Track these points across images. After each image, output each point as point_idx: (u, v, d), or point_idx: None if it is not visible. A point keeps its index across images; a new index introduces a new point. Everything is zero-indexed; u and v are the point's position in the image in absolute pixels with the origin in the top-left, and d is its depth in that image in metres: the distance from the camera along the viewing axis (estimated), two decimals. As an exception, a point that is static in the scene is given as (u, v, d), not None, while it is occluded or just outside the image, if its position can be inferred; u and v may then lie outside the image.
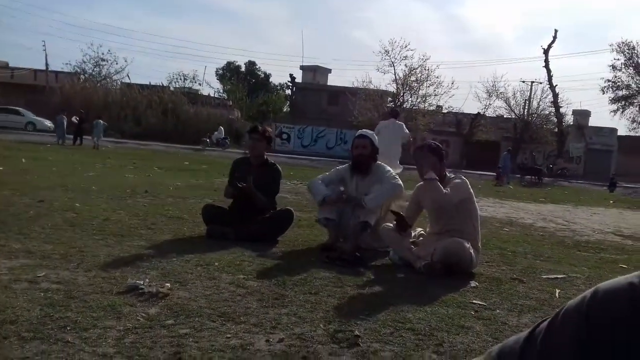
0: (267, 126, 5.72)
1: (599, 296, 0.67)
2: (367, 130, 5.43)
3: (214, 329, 2.59)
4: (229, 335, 2.53)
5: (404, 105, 38.16)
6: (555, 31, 38.29)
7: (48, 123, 34.74)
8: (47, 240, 4.18)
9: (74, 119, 24.95)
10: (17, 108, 36.43)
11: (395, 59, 37.14)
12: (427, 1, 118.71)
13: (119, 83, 46.74)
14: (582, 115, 43.52)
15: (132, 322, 2.59)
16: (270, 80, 61.30)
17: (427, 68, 37.22)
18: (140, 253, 4.05)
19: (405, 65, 37.38)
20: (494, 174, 24.58)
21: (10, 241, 4.06)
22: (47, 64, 45.59)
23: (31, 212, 5.39)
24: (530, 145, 38.13)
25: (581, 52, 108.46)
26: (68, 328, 2.44)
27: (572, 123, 41.88)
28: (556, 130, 38.60)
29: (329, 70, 48.81)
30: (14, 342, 2.26)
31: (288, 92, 51.94)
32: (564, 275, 4.53)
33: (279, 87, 59.73)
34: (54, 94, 39.77)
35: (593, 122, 44.32)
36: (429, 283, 3.86)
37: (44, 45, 49.27)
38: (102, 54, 46.60)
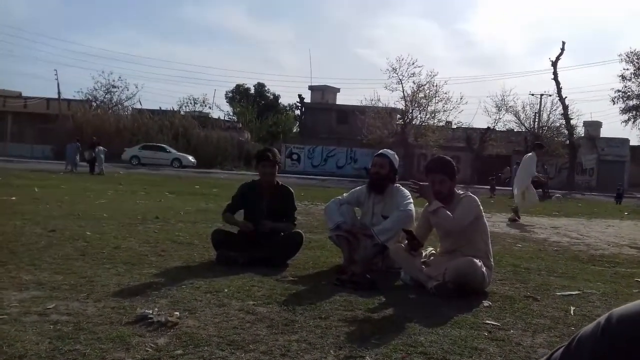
0: (274, 148, 5.72)
1: (614, 320, 0.66)
2: (389, 151, 5.32)
3: (223, 358, 2.57)
4: (238, 365, 2.50)
5: (413, 122, 38.22)
6: (563, 43, 38.38)
7: (191, 159, 36.28)
8: (58, 271, 4.19)
9: (86, 154, 25.03)
10: (163, 145, 37.52)
11: (403, 76, 37.39)
12: (433, 18, 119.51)
13: (130, 109, 47.31)
14: (593, 126, 43.32)
15: (140, 353, 2.58)
16: (280, 101, 61.78)
17: (435, 84, 37.44)
18: (150, 281, 4.05)
19: (413, 82, 37.62)
20: (493, 187, 24.35)
21: (21, 272, 4.08)
22: (59, 93, 46.28)
23: (42, 242, 5.42)
24: (541, 158, 37.88)
25: (590, 63, 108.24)
26: (77, 361, 2.43)
27: (583, 135, 41.68)
28: (567, 142, 38.38)
29: (338, 90, 49.09)
30: (22, 378, 2.25)
31: (297, 112, 52.23)
32: (579, 292, 4.45)
33: (288, 108, 60.10)
34: (67, 122, 40.30)
35: (605, 133, 44.10)
36: (441, 304, 3.81)
37: (56, 74, 49.75)
38: (113, 80, 47.38)
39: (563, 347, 0.72)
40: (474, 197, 4.42)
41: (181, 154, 37.15)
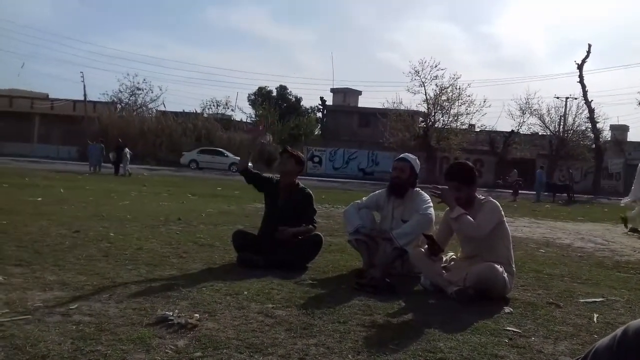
0: (296, 150, 5.72)
1: (630, 333, 0.65)
2: (410, 155, 5.24)
3: (242, 361, 2.58)
4: (256, 368, 2.51)
5: (436, 125, 37.97)
6: (589, 45, 37.81)
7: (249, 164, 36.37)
8: (81, 271, 4.25)
9: (111, 155, 25.32)
10: (221, 149, 38.00)
11: (426, 79, 37.15)
12: (455, 21, 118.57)
13: (154, 111, 47.90)
14: (620, 130, 42.60)
15: (160, 355, 2.60)
16: (302, 103, 61.85)
17: (458, 87, 37.13)
18: (171, 283, 4.09)
19: (436, 85, 37.35)
20: (516, 191, 23.99)
21: (45, 272, 4.15)
22: (85, 95, 47.06)
23: (67, 242, 5.51)
24: (567, 162, 37.35)
25: (617, 65, 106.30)
26: (98, 361, 2.47)
27: (609, 138, 40.98)
28: (593, 146, 37.77)
29: (360, 92, 49.14)
30: (44, 377, 2.29)
31: (319, 115, 52.28)
32: (603, 299, 4.38)
33: (310, 111, 60.17)
34: (92, 124, 40.95)
35: (632, 137, 43.34)
36: (461, 309, 3.78)
37: (82, 76, 50.63)
38: (138, 83, 48.15)
39: (580, 359, 0.71)
40: (495, 202, 4.36)
41: (238, 157, 37.34)
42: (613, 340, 0.67)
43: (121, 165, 24.77)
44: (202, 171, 33.30)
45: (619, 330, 0.67)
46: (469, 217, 4.15)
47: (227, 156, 36.98)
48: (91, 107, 45.75)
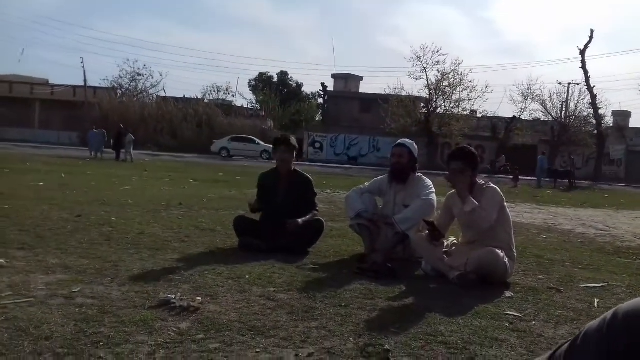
0: (292, 135, 5.69)
1: (620, 316, 0.66)
2: (407, 140, 5.27)
3: (244, 343, 2.60)
4: (258, 350, 2.53)
5: (437, 111, 37.88)
6: (592, 31, 37.45)
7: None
8: (84, 255, 4.27)
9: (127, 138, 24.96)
10: (253, 137, 37.65)
11: (427, 64, 37.01)
12: (457, 6, 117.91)
13: (155, 97, 47.78)
14: (622, 116, 42.47)
15: (163, 337, 2.62)
16: (303, 89, 61.73)
17: (460, 72, 37.00)
18: (173, 267, 4.11)
19: (438, 71, 37.21)
20: (517, 176, 23.91)
21: (48, 256, 4.17)
22: (85, 80, 46.92)
23: (69, 227, 5.52)
24: (569, 148, 37.30)
25: (619, 51, 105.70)
26: (101, 344, 2.48)
27: (611, 125, 40.86)
28: (595, 132, 37.66)
29: (361, 78, 48.90)
30: (48, 359, 2.31)
31: (320, 100, 52.16)
32: (604, 284, 4.39)
33: (311, 96, 60.05)
34: (93, 110, 40.87)
35: (634, 123, 43.20)
36: (462, 294, 3.79)
37: (82, 62, 50.50)
38: (138, 68, 47.90)
39: (569, 342, 0.72)
40: (495, 187, 4.37)
41: (270, 145, 37.35)
42: (603, 322, 0.68)
43: (123, 151, 24.75)
44: (204, 157, 33.33)
45: (608, 313, 0.68)
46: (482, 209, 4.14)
47: (258, 144, 36.46)
48: (91, 93, 45.63)
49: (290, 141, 5.28)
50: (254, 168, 20.73)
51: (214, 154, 35.02)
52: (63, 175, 12.87)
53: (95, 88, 46.66)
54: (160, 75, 61.11)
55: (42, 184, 10.19)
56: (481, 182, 4.44)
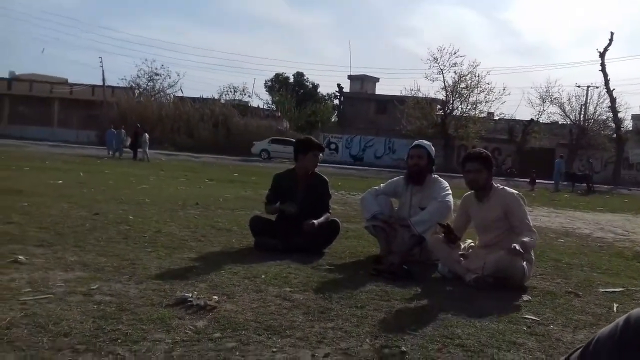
0: (315, 138, 5.73)
1: (632, 322, 0.65)
2: (424, 141, 5.25)
3: (260, 342, 2.60)
4: (274, 350, 2.53)
5: (454, 113, 37.68)
6: (612, 33, 36.99)
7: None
8: (101, 253, 4.31)
9: (142, 138, 25.25)
10: (292, 139, 37.80)
11: (444, 66, 36.80)
12: (475, 7, 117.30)
13: (172, 97, 48.09)
14: (641, 119, 41.82)
15: (180, 335, 2.63)
16: (319, 90, 61.74)
17: (477, 74, 36.76)
18: (189, 265, 4.13)
19: (455, 72, 36.99)
20: (533, 180, 23.70)
21: (67, 253, 4.21)
22: (103, 80, 47.37)
23: (87, 224, 5.58)
24: (587, 152, 36.86)
25: (639, 54, 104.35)
26: (119, 341, 2.50)
27: (631, 128, 40.31)
28: (614, 135, 37.18)
29: (377, 79, 48.80)
30: (67, 355, 2.33)
31: (336, 102, 52.15)
32: (623, 289, 4.33)
33: (327, 97, 60.03)
34: (111, 109, 41.24)
35: (654, 126, 42.48)
36: (479, 297, 3.77)
37: (101, 61, 51.14)
38: (156, 68, 48.24)
39: (581, 348, 0.71)
40: (513, 192, 4.35)
41: None
42: (615, 328, 0.67)
43: (140, 150, 24.96)
44: (219, 157, 33.48)
45: (620, 319, 0.67)
46: (526, 238, 4.04)
47: None
48: (109, 92, 46.04)
49: (322, 146, 5.31)
50: (268, 168, 20.76)
51: (255, 156, 35.07)
52: (81, 173, 13.00)
53: (113, 87, 47.10)
54: (178, 75, 61.50)
55: (60, 182, 10.30)
56: (498, 185, 4.42)
